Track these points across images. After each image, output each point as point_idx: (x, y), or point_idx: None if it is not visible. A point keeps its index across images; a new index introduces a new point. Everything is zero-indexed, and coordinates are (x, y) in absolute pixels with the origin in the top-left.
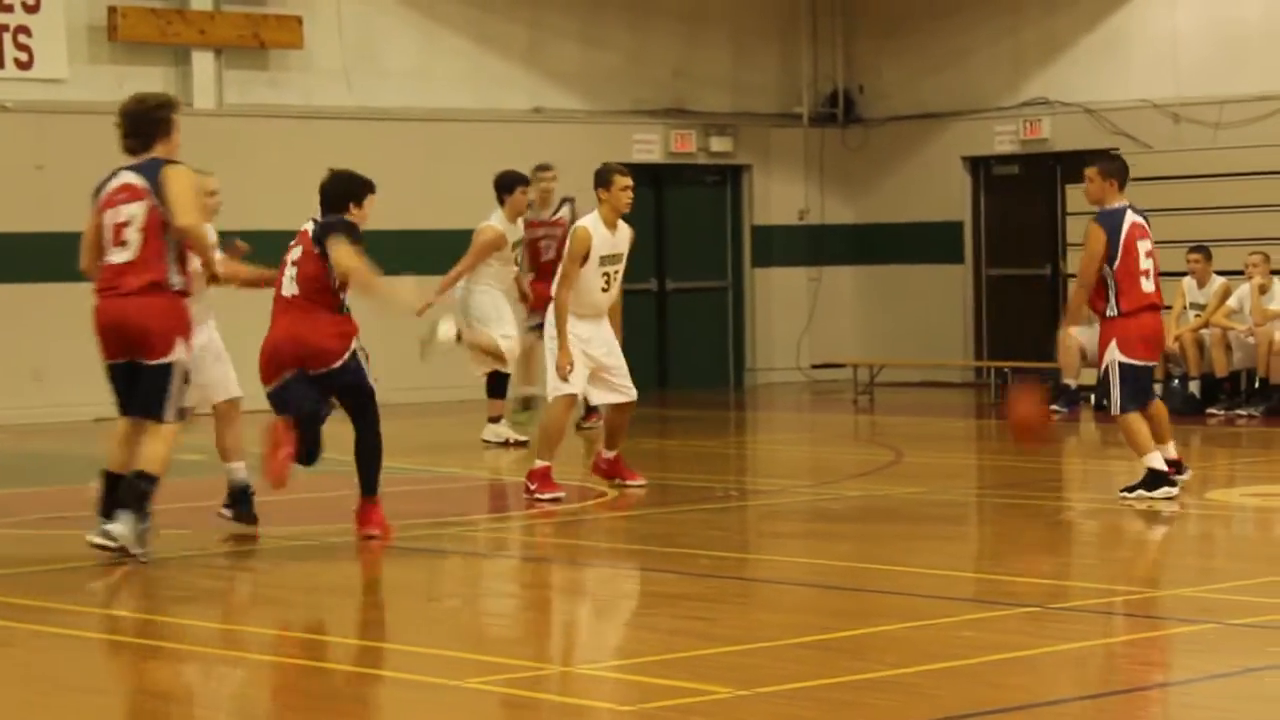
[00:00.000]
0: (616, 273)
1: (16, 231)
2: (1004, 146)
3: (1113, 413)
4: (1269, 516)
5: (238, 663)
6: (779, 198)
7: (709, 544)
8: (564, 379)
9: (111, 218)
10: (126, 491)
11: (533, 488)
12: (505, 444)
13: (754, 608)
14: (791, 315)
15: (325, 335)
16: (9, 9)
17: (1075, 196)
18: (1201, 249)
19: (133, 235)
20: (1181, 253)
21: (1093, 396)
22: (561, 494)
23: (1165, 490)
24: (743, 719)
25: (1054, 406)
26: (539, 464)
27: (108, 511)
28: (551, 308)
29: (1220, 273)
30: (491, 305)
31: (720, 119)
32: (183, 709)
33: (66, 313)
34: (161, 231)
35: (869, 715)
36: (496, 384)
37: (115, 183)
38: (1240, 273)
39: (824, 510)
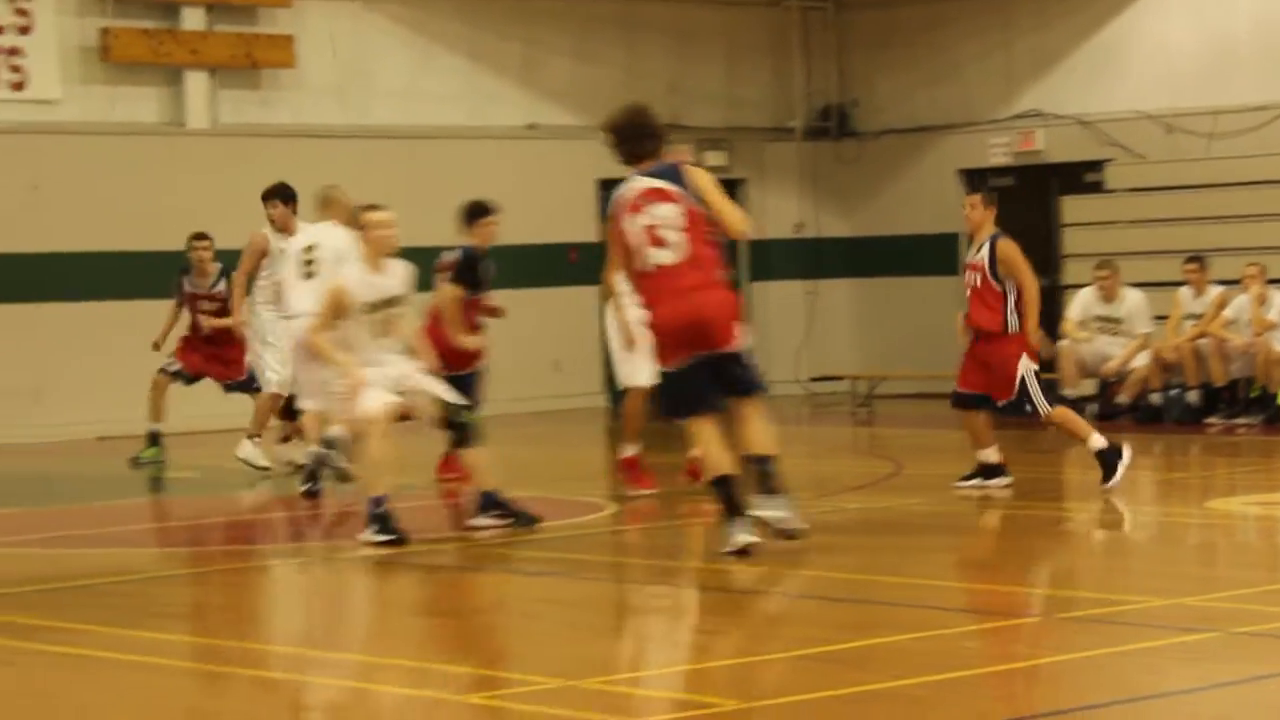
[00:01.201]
0: None
1: (13, 252)
2: (998, 159)
3: (1044, 414)
4: (1270, 525)
5: (245, 681)
6: (774, 211)
7: (711, 556)
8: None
9: (643, 221)
10: (765, 479)
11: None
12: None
13: (756, 620)
14: (789, 328)
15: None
16: (1, 31)
17: (1070, 208)
18: (1197, 259)
19: (674, 236)
20: (1177, 263)
21: (1091, 407)
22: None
23: (1000, 480)
24: None
25: None
26: (630, 453)
27: (734, 511)
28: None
29: (1216, 282)
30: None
31: (714, 134)
32: None
33: (65, 332)
34: (704, 228)
35: None
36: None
37: (638, 187)
38: (1236, 282)
39: (825, 523)
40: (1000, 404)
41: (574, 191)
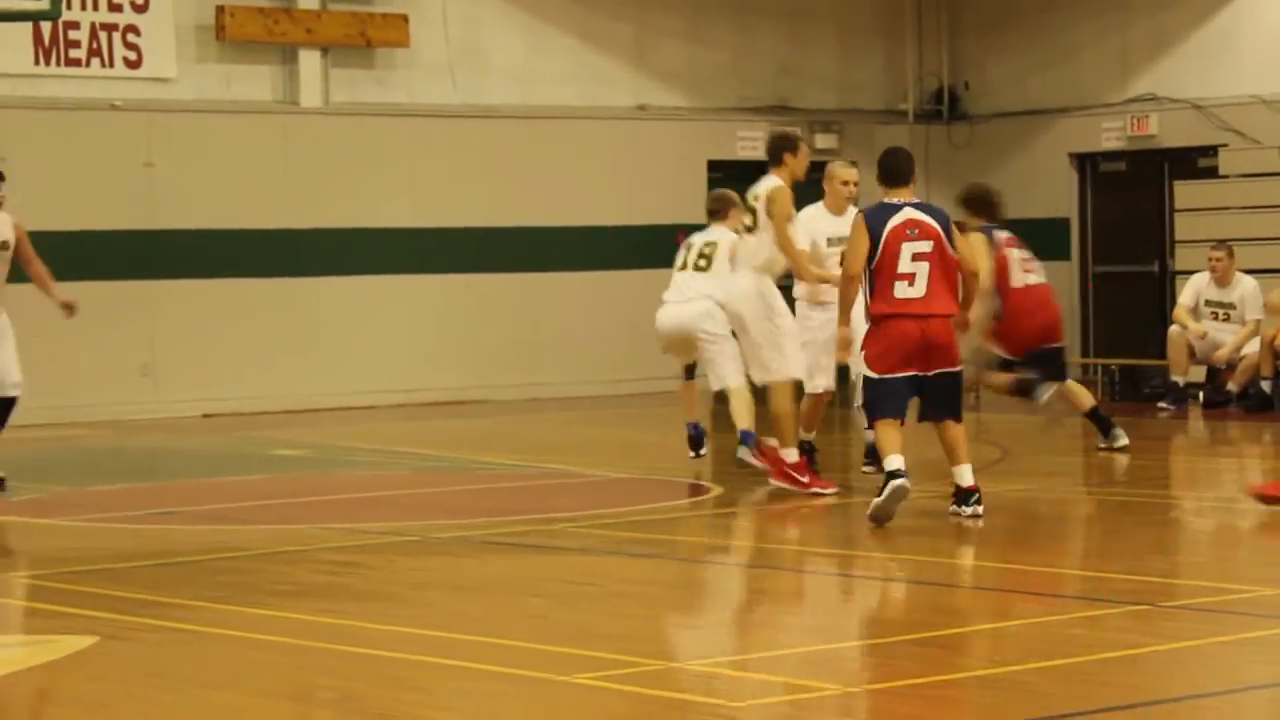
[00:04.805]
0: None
1: (125, 229)
2: (1111, 143)
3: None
4: None
5: (349, 658)
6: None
7: (812, 540)
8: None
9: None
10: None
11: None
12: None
13: (862, 605)
14: None
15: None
16: (118, 8)
17: (1183, 193)
18: None
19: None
20: None
21: (1200, 394)
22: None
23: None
24: (851, 716)
25: (1161, 404)
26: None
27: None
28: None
29: None
30: None
31: (825, 116)
32: (298, 707)
33: (174, 309)
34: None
35: (977, 712)
36: None
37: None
38: None
39: (930, 508)
40: None
41: (683, 173)
